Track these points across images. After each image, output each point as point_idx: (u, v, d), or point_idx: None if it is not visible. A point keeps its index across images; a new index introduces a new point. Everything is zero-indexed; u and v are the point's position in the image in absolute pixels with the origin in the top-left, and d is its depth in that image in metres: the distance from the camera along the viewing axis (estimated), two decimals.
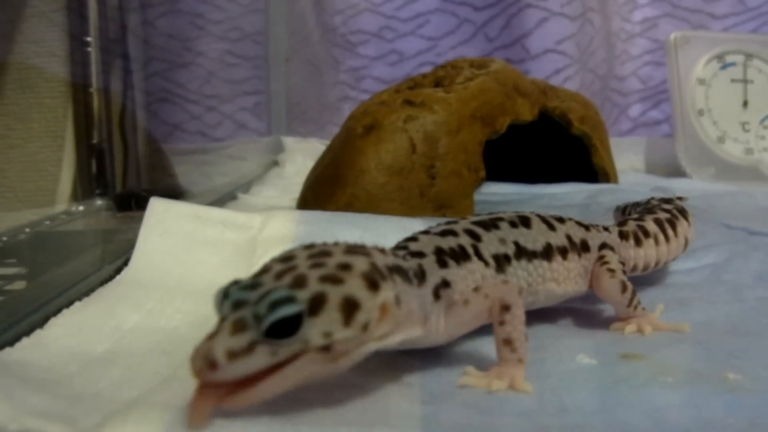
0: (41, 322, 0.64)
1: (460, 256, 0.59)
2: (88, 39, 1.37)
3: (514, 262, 0.62)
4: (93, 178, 1.38)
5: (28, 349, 0.57)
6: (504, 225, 0.63)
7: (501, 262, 0.61)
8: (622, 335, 0.65)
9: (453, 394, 0.52)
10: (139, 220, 0.83)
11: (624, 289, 0.67)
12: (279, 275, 0.47)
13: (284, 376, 0.45)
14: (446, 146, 1.09)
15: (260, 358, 0.44)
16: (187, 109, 1.87)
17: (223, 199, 1.32)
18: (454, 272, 0.58)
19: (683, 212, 0.83)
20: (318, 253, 0.49)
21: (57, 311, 0.65)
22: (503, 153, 1.31)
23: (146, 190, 1.39)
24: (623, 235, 0.75)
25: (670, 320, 0.67)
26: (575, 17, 1.82)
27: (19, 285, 0.88)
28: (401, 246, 0.60)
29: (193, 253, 0.79)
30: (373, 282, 0.48)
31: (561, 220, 0.69)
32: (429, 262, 0.57)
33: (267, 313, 0.44)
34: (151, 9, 1.79)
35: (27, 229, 1.14)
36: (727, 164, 1.63)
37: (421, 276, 0.55)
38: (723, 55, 1.69)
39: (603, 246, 0.70)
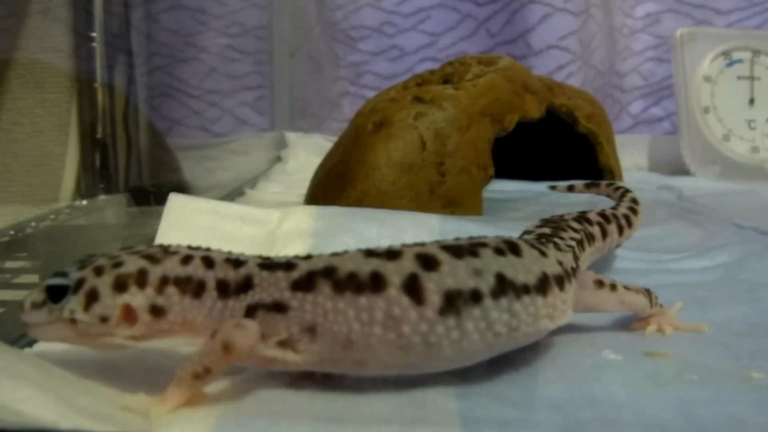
0: None
1: (355, 286, 0.49)
2: (93, 34, 1.37)
3: (486, 302, 0.51)
4: (97, 173, 1.38)
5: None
6: (486, 252, 0.52)
7: (456, 302, 0.50)
8: (644, 334, 0.65)
9: (484, 385, 0.53)
10: (152, 215, 0.83)
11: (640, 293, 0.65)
12: (99, 257, 0.53)
13: (49, 331, 0.52)
14: (456, 143, 1.09)
15: (42, 314, 0.51)
16: (189, 105, 1.87)
17: (232, 194, 1.33)
18: (316, 301, 0.50)
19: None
20: (134, 250, 0.54)
21: None
22: (509, 150, 1.31)
23: (161, 185, 1.39)
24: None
25: (689, 319, 0.67)
26: (578, 13, 1.82)
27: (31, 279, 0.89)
28: (306, 257, 0.53)
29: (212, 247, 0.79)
30: (121, 284, 0.51)
31: (544, 243, 0.60)
32: (281, 279, 0.51)
33: (49, 279, 0.52)
34: (154, 4, 1.79)
35: (33, 224, 1.14)
36: (732, 163, 1.63)
37: (241, 286, 0.51)
38: (729, 51, 1.69)
39: (574, 270, 0.61)
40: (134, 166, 1.49)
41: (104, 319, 0.51)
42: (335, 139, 1.32)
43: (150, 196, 1.30)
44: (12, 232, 1.08)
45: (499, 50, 1.89)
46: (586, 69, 1.86)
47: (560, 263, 0.58)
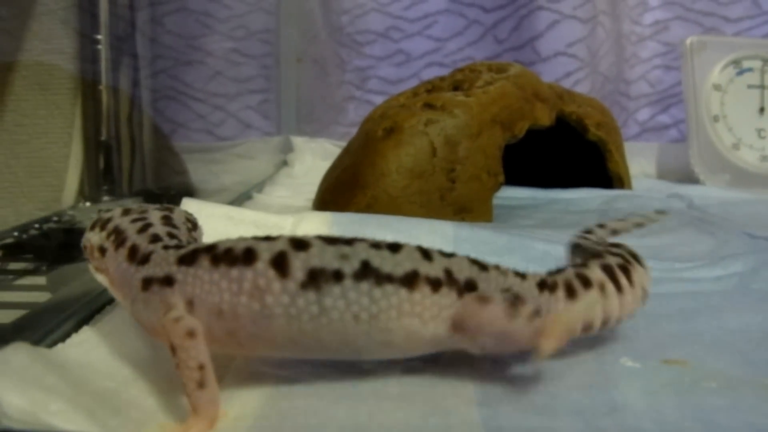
0: (87, 318, 0.66)
1: (229, 259, 0.52)
2: (98, 36, 1.37)
3: (347, 282, 0.51)
4: (101, 175, 1.38)
5: (80, 346, 0.59)
6: (361, 244, 0.54)
7: (318, 279, 0.51)
8: (661, 340, 0.64)
9: (505, 392, 0.54)
10: None
11: (514, 307, 0.54)
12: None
13: None
14: (466, 150, 1.09)
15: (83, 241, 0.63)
16: (193, 108, 1.87)
17: (239, 199, 1.33)
18: (196, 273, 0.52)
19: (635, 257, 0.66)
20: (134, 206, 0.65)
21: (101, 308, 0.68)
22: (519, 157, 1.31)
23: (169, 188, 1.40)
24: (546, 286, 0.59)
25: (704, 327, 0.67)
26: (586, 20, 1.82)
27: (40, 280, 0.89)
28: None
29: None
30: (93, 225, 0.63)
31: (450, 255, 0.57)
32: (170, 255, 0.54)
33: None
34: (160, 6, 1.79)
35: (37, 225, 1.14)
36: (742, 171, 1.62)
37: (143, 259, 0.55)
38: (740, 60, 1.68)
39: (503, 292, 0.56)
40: (138, 168, 1.49)
41: (84, 248, 0.63)
42: (341, 143, 1.32)
43: (162, 200, 1.31)
44: (16, 234, 1.08)
45: (507, 56, 1.89)
46: (594, 76, 1.86)
47: (447, 271, 0.55)
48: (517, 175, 1.36)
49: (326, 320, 0.51)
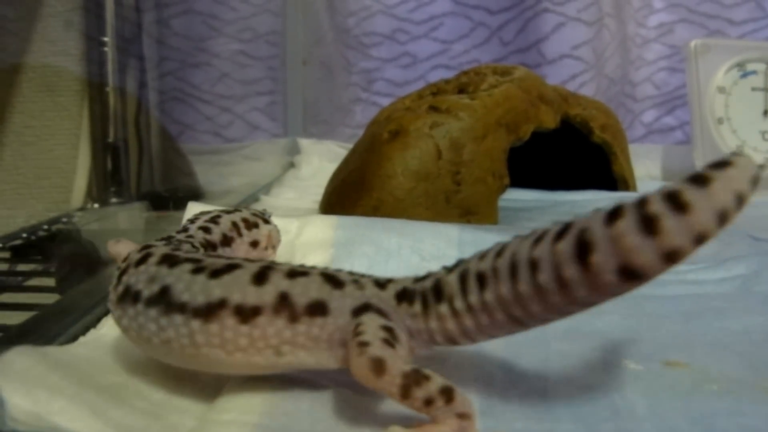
0: (96, 320, 0.67)
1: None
2: (105, 39, 1.38)
3: (139, 306, 0.52)
4: (108, 177, 1.38)
5: (88, 344, 0.59)
6: (184, 266, 0.53)
7: (125, 297, 0.53)
8: (663, 342, 0.64)
9: (507, 396, 0.54)
10: (168, 220, 0.84)
11: (380, 368, 0.47)
12: None
13: None
14: (472, 153, 1.09)
15: None
16: (200, 109, 1.87)
17: (247, 200, 1.33)
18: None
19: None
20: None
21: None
22: (524, 159, 1.31)
23: (176, 189, 1.40)
24: (405, 296, 0.52)
25: (706, 328, 0.67)
26: (592, 22, 1.82)
27: (49, 282, 0.89)
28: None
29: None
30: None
31: (303, 273, 0.52)
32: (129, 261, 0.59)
33: None
34: (166, 9, 1.79)
35: (45, 227, 1.14)
36: None
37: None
38: (744, 63, 1.68)
39: (364, 308, 0.51)
40: (146, 170, 1.49)
41: None
42: (348, 145, 1.32)
43: (169, 202, 1.31)
44: (24, 236, 1.08)
45: (512, 59, 1.89)
46: (599, 78, 1.86)
47: (281, 296, 0.50)
48: (522, 177, 1.36)
49: (128, 336, 0.54)
